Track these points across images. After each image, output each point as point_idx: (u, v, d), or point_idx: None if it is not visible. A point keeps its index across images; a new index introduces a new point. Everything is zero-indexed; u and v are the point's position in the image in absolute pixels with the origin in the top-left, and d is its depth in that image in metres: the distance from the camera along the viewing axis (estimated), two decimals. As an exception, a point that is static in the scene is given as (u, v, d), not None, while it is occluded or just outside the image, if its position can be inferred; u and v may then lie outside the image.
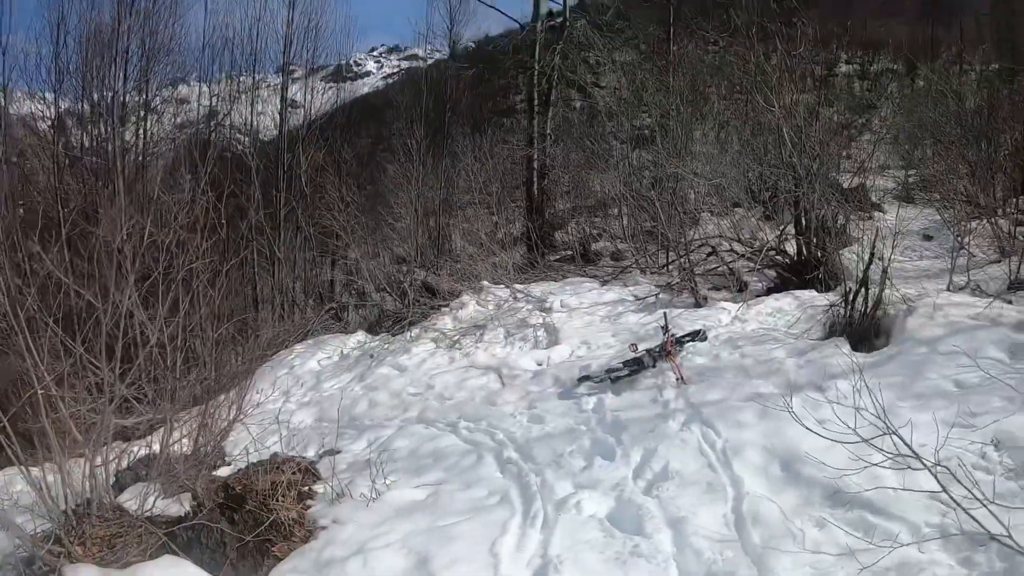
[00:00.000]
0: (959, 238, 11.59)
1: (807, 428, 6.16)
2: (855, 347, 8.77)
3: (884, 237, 10.44)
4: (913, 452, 5.45)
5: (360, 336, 13.66)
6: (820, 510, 5.87)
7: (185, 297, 8.53)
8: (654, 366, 8.90)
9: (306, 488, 7.33)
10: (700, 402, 7.77)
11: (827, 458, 6.08)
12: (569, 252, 17.15)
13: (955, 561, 5.03)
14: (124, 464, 7.98)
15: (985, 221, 12.46)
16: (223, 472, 8.24)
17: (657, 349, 9.02)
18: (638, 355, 8.93)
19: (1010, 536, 4.88)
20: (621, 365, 8.91)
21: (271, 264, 19.40)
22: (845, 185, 16.21)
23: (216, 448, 8.66)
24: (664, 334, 8.94)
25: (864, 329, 9.13)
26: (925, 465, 5.38)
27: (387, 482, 7.11)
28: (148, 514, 6.55)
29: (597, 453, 7.24)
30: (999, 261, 11.23)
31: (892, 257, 10.15)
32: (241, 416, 9.05)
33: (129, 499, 6.98)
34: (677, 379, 8.46)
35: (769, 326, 10.26)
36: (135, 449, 8.29)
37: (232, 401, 8.96)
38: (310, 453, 8.67)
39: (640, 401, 8.21)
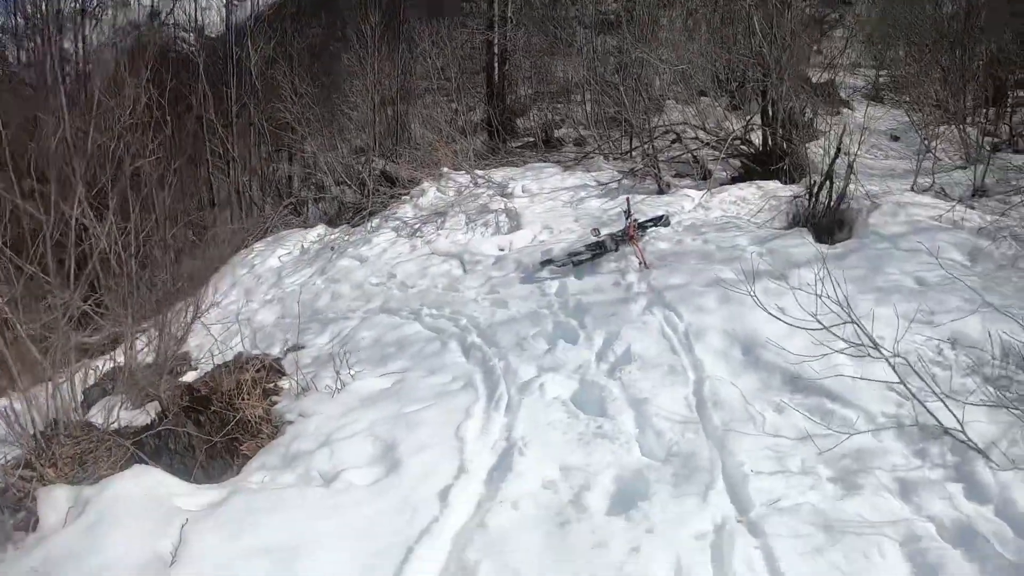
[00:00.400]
0: (926, 141, 11.46)
1: (769, 314, 6.13)
2: (818, 238, 8.74)
3: (851, 133, 10.34)
4: (873, 342, 5.46)
5: (320, 230, 13.39)
6: (779, 395, 5.91)
7: (135, 201, 8.20)
8: (616, 250, 8.82)
9: (271, 385, 7.27)
10: (663, 286, 7.72)
11: (788, 344, 6.12)
12: (531, 139, 16.79)
13: (909, 452, 5.08)
14: (91, 381, 7.87)
15: (953, 127, 12.37)
16: (189, 377, 8.18)
17: (620, 233, 8.93)
18: (600, 239, 8.83)
19: (963, 431, 4.95)
20: (583, 249, 8.83)
21: (226, 164, 18.76)
22: (814, 80, 15.93)
23: (176, 353, 8.57)
24: (627, 218, 8.84)
25: (828, 221, 9.10)
26: (884, 355, 5.41)
27: (352, 373, 7.08)
28: (116, 427, 6.45)
29: (560, 336, 7.22)
30: (964, 167, 11.17)
31: (858, 153, 10.05)
32: (199, 316, 8.95)
33: (96, 414, 6.91)
34: (640, 263, 8.39)
35: (732, 214, 10.19)
36: (100, 365, 8.17)
37: (190, 304, 8.82)
38: (275, 350, 8.56)
39: (603, 285, 8.15)
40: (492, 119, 17.24)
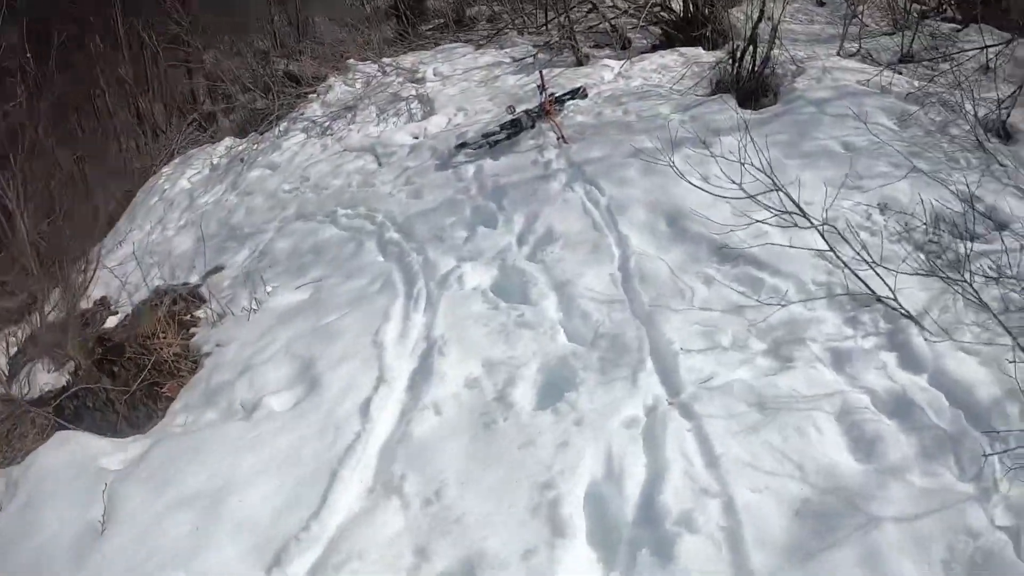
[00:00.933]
0: (852, 6, 11.01)
1: (692, 184, 5.84)
2: (742, 104, 8.32)
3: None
4: (800, 209, 5.18)
5: (228, 142, 12.40)
6: (707, 266, 5.67)
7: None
8: (533, 127, 8.32)
9: (189, 316, 6.87)
10: (583, 160, 7.31)
11: (713, 214, 5.84)
12: (442, 20, 15.82)
13: (841, 320, 4.92)
14: (13, 350, 7.27)
15: None
16: (112, 323, 7.64)
17: (536, 110, 8.43)
18: (516, 116, 8.32)
19: (895, 299, 4.76)
20: (498, 129, 8.32)
21: (123, 89, 17.14)
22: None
23: (78, 304, 7.85)
24: (541, 93, 8.33)
25: (751, 87, 8.62)
26: (812, 223, 5.15)
27: (268, 290, 6.69)
28: (38, 395, 6.17)
29: (479, 222, 6.81)
30: (891, 34, 10.64)
31: (782, 17, 9.60)
32: (101, 261, 8.49)
33: (20, 385, 6.39)
34: (558, 138, 7.92)
35: (654, 83, 9.64)
36: (18, 332, 7.53)
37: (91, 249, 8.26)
38: (195, 277, 8.06)
39: (520, 164, 7.70)
40: (398, 2, 16.15)
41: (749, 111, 8.08)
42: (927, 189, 5.79)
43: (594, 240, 6.06)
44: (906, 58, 9.44)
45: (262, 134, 11.78)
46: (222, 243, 8.68)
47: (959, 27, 10.46)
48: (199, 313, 6.90)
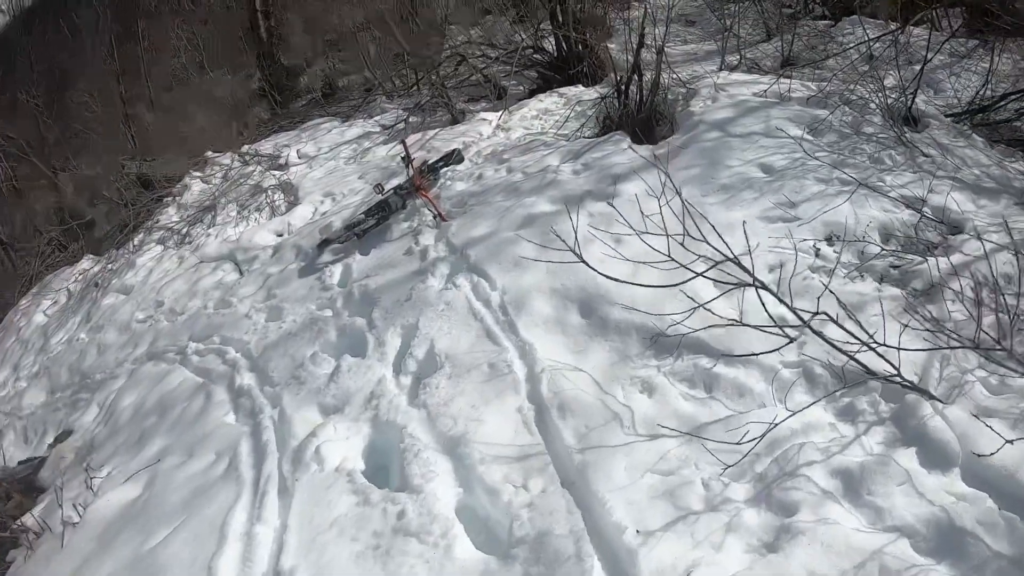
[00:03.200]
0: (723, 20, 9.77)
1: (602, 256, 4.28)
2: (636, 140, 6.67)
3: (650, 21, 8.20)
4: (750, 274, 3.60)
5: (85, 263, 10.10)
6: (643, 366, 4.01)
7: None
8: (405, 206, 6.47)
9: (7, 532, 4.80)
10: (465, 242, 5.48)
11: (637, 293, 4.18)
12: (312, 95, 13.82)
13: (834, 414, 3.48)
14: None
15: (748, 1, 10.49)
16: None
17: (406, 185, 6.56)
18: (384, 197, 6.46)
19: (899, 374, 3.38)
20: (363, 216, 6.43)
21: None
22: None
23: None
24: (407, 166, 6.48)
25: (644, 118, 6.95)
26: (766, 288, 3.66)
27: (94, 488, 4.73)
28: None
29: (346, 348, 4.91)
30: (767, 40, 9.53)
31: (665, 38, 7.94)
32: None
33: None
34: (434, 217, 6.11)
35: (536, 131, 7.97)
36: None
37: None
38: (45, 445, 6.30)
39: (393, 256, 5.82)
40: (265, 82, 14.09)
41: (646, 147, 6.45)
42: (867, 202, 4.80)
43: (489, 357, 4.21)
44: (789, 61, 8.30)
45: (119, 249, 9.58)
46: (74, 395, 6.77)
47: (832, 22, 9.39)
48: (27, 519, 4.85)
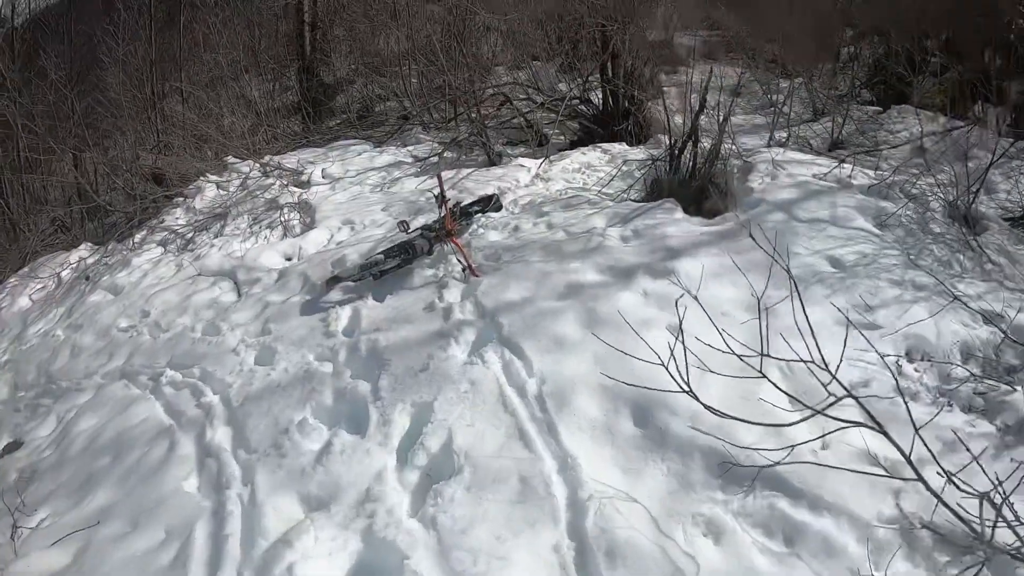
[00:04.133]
0: (771, 95, 9.31)
1: (661, 349, 3.28)
2: (686, 210, 5.76)
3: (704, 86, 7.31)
4: (865, 409, 2.92)
5: (83, 250, 9.12)
6: (709, 501, 3.09)
7: None
8: (430, 252, 5.53)
9: None
10: (497, 305, 4.51)
11: (704, 395, 3.20)
12: (346, 115, 12.84)
13: None
14: None
15: (798, 80, 9.68)
16: None
17: (436, 227, 5.61)
18: (410, 239, 5.51)
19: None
20: (383, 256, 5.42)
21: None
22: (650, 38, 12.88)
23: None
24: (440, 206, 5.54)
25: (697, 187, 6.06)
26: (891, 440, 2.85)
27: (19, 538, 3.78)
28: None
29: (342, 419, 3.92)
30: (814, 120, 8.83)
31: (726, 103, 7.21)
32: None
33: None
34: (464, 269, 5.15)
35: (578, 185, 7.10)
36: None
37: None
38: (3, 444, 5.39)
39: (411, 310, 4.85)
40: (303, 94, 13.22)
41: (699, 219, 5.56)
42: (945, 314, 4.15)
43: (522, 468, 3.25)
44: (838, 144, 7.69)
45: (120, 241, 8.62)
46: (36, 399, 5.83)
47: (880, 109, 8.78)
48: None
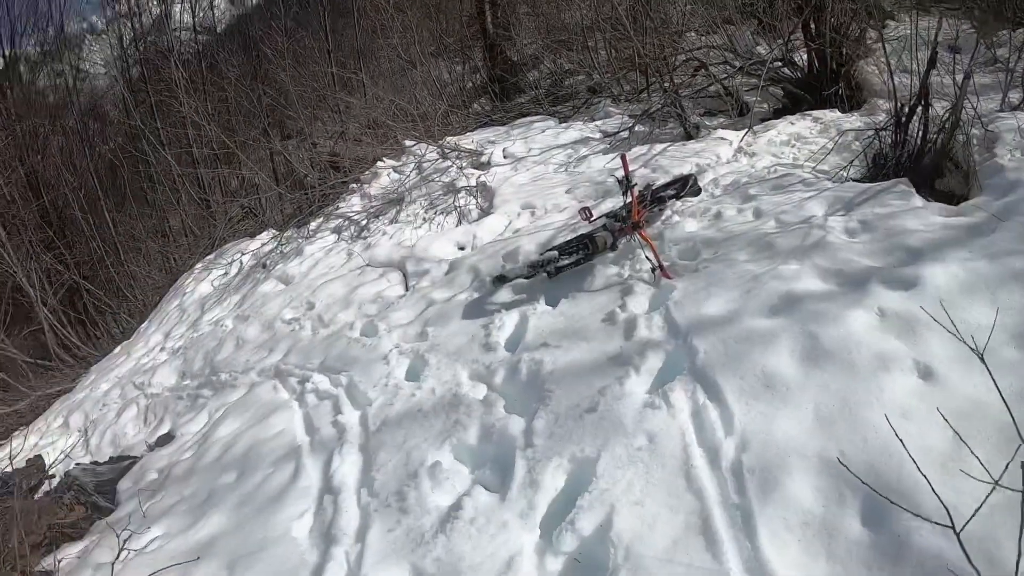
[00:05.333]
0: (994, 49, 7.20)
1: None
2: (920, 192, 4.32)
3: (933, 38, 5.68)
4: None
5: (265, 236, 8.90)
6: None
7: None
8: (614, 247, 4.48)
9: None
10: (693, 322, 3.42)
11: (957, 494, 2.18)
12: (534, 92, 11.45)
13: None
14: None
15: None
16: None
17: (621, 215, 4.56)
18: (592, 227, 4.52)
19: None
20: (555, 254, 4.41)
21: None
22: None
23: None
24: (625, 191, 4.44)
25: (932, 163, 4.63)
26: None
27: (116, 567, 3.26)
28: None
29: (482, 466, 3.06)
30: None
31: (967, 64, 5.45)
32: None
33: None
34: (653, 270, 4.07)
35: (788, 161, 5.79)
36: None
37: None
38: (156, 436, 5.27)
39: (587, 320, 3.85)
40: (488, 76, 12.34)
41: (939, 206, 4.09)
42: None
43: (702, 571, 2.23)
44: None
45: (300, 228, 8.28)
46: (198, 390, 5.59)
47: None
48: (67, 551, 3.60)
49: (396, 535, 2.81)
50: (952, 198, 4.34)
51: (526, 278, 4.41)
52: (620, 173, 4.46)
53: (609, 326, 3.67)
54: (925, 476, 2.08)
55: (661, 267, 4.02)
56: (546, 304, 4.19)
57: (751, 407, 2.78)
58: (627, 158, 4.52)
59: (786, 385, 2.82)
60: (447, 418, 3.39)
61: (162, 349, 6.96)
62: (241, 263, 8.11)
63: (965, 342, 2.32)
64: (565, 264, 4.34)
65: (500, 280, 4.50)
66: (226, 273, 8.09)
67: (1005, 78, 6.26)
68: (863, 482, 2.22)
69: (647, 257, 4.13)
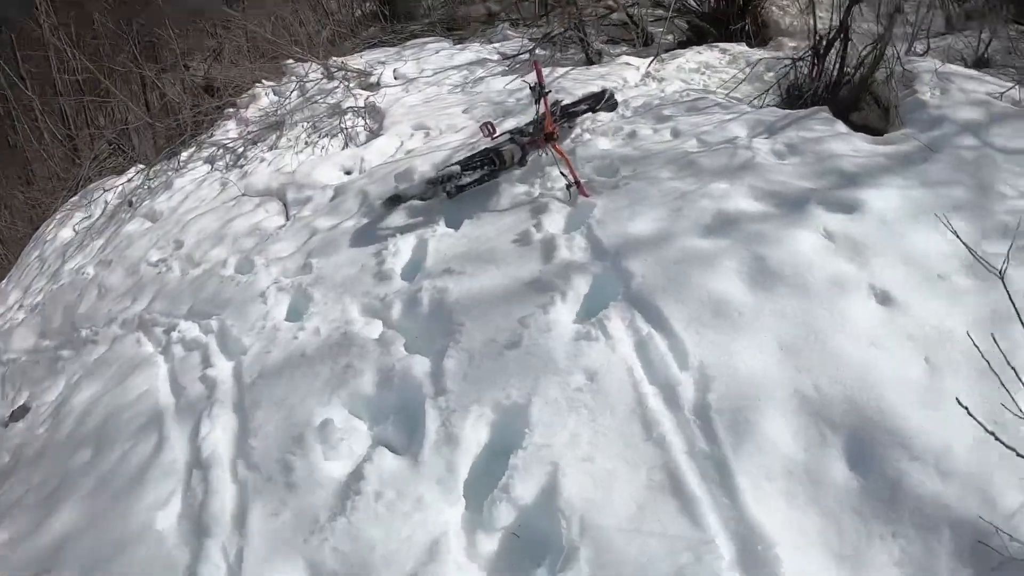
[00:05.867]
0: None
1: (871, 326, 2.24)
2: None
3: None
4: None
5: (132, 172, 7.55)
6: None
7: None
8: (522, 162, 3.92)
9: None
10: (621, 242, 2.94)
11: (954, 444, 1.94)
12: (428, 19, 11.00)
13: None
14: None
15: None
16: None
17: (530, 129, 4.00)
18: (497, 142, 3.90)
19: None
20: (457, 168, 3.77)
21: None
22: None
23: None
24: (537, 100, 3.78)
25: (850, 96, 4.34)
26: None
27: None
28: None
29: (384, 420, 2.45)
30: (947, 33, 6.69)
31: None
32: None
33: None
34: (569, 186, 3.54)
35: (699, 87, 5.35)
36: None
37: None
38: (11, 410, 4.28)
39: (496, 244, 3.28)
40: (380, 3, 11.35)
41: (865, 137, 3.79)
42: None
43: (681, 564, 1.73)
44: (984, 62, 5.83)
45: (170, 160, 7.21)
46: (56, 351, 4.62)
47: None
48: None
49: (283, 521, 2.18)
50: (868, 131, 4.03)
51: (423, 199, 3.80)
52: (531, 82, 3.86)
53: (523, 247, 3.13)
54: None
55: (578, 183, 3.49)
56: (446, 226, 3.59)
57: (703, 336, 2.32)
58: (539, 65, 3.91)
59: (738, 311, 2.39)
60: (336, 363, 2.75)
61: (20, 307, 5.90)
62: (106, 203, 7.01)
63: (983, 262, 1.97)
64: (467, 182, 3.73)
65: (393, 201, 3.86)
66: (89, 216, 6.95)
67: (912, 30, 6.09)
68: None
69: (562, 173, 3.57)
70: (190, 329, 3.65)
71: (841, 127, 3.86)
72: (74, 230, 6.88)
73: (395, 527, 2.00)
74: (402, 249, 3.48)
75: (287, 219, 4.71)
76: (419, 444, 2.23)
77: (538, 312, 2.61)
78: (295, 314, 3.32)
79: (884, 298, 2.38)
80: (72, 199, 7.85)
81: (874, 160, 3.31)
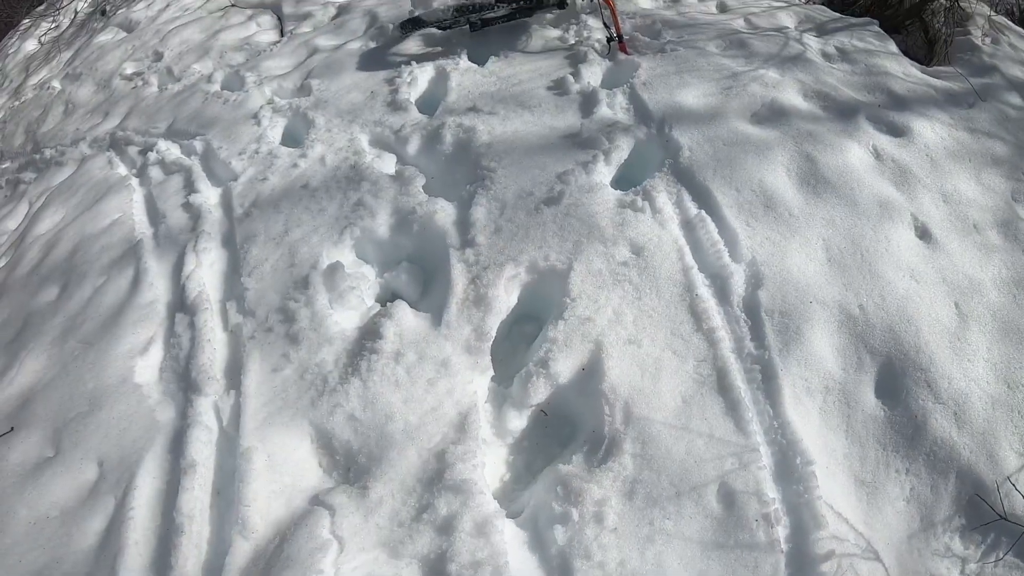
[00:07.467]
0: None
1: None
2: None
3: None
4: None
5: None
6: (948, 555, 1.63)
7: None
8: (561, 5, 3.45)
9: None
10: (667, 109, 2.61)
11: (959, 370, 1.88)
12: None
13: None
14: None
15: None
16: None
17: None
18: None
19: None
20: None
21: None
22: None
23: None
24: None
25: (897, 18, 3.86)
26: None
27: None
28: None
29: (400, 274, 2.16)
30: None
31: None
32: None
33: None
34: (609, 40, 3.15)
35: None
36: None
37: None
38: None
39: (528, 87, 2.90)
40: None
41: (913, 63, 3.39)
42: None
43: (725, 470, 1.59)
44: None
45: None
46: (17, 173, 4.12)
47: None
48: None
49: (285, 378, 1.90)
50: (920, 60, 3.65)
51: (441, 27, 3.36)
52: None
53: (559, 97, 2.79)
54: None
55: (620, 38, 3.11)
56: (469, 61, 3.20)
57: (755, 229, 2.11)
58: None
59: (788, 210, 2.18)
60: (345, 199, 2.42)
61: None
62: (76, 12, 6.18)
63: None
64: (495, 16, 3.31)
65: (411, 25, 3.43)
66: (57, 26, 6.16)
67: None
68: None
69: (605, 24, 3.16)
70: (170, 149, 3.24)
71: (892, 46, 3.47)
72: (39, 42, 6.12)
73: (416, 394, 1.77)
74: (419, 78, 3.11)
75: (282, 35, 4.22)
76: (444, 302, 1.97)
77: (578, 170, 2.33)
78: (294, 139, 2.97)
79: (923, 232, 2.22)
80: (38, 8, 6.94)
81: (924, 89, 3.03)
